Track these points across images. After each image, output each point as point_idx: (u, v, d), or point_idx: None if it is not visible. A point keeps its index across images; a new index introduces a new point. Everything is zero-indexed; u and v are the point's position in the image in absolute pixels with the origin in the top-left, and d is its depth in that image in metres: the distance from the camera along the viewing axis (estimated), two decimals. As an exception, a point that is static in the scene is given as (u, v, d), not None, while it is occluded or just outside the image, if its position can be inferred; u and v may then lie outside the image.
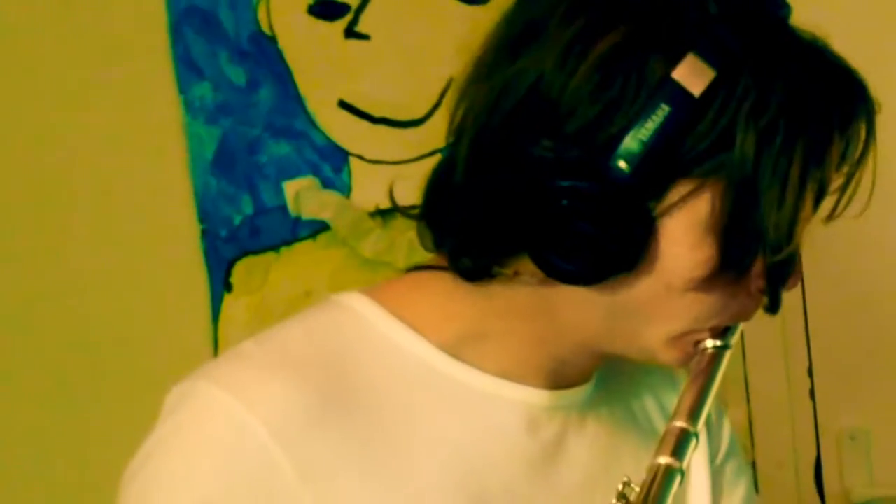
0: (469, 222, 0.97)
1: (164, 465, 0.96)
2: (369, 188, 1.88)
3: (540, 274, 0.95)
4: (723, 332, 1.02)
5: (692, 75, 0.92)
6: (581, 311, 0.99)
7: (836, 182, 0.99)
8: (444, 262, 1.01)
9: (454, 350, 1.01)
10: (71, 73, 1.85)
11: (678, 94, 0.91)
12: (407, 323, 1.01)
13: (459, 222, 0.98)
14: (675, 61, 0.92)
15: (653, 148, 0.91)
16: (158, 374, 1.78)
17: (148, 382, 1.76)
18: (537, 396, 1.03)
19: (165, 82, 1.84)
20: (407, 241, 1.85)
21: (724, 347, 1.03)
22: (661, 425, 1.12)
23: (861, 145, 0.98)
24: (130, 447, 2.00)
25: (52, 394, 1.80)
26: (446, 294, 1.01)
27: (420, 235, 1.04)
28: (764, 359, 2.00)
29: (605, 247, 0.93)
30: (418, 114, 1.88)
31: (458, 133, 0.98)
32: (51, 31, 1.86)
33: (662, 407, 1.16)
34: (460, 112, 0.99)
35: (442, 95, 1.85)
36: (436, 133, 1.80)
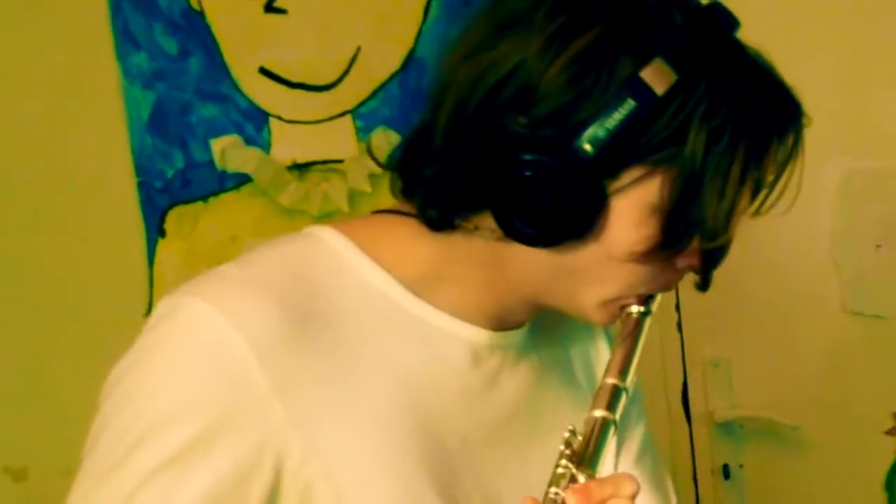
0: (441, 180, 1.02)
1: (150, 369, 0.98)
2: (287, 145, 1.98)
3: (499, 231, 1.00)
4: (647, 300, 1.08)
5: (657, 76, 0.97)
6: (530, 267, 1.04)
7: (769, 178, 1.04)
8: (409, 210, 1.06)
9: (414, 288, 1.06)
10: (20, 46, 1.89)
11: (643, 91, 0.96)
12: (374, 259, 1.06)
13: (432, 179, 1.02)
14: (643, 63, 0.96)
15: (616, 135, 0.95)
16: (101, 309, 1.87)
17: (92, 316, 1.85)
18: (481, 335, 1.08)
19: (106, 52, 1.91)
20: (320, 192, 1.99)
21: (647, 313, 1.08)
22: (580, 372, 1.21)
23: (791, 151, 1.03)
24: (78, 379, 2.04)
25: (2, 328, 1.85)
26: (411, 238, 1.06)
27: (391, 183, 1.08)
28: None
29: (560, 215, 0.98)
30: (330, 79, 1.98)
31: (437, 102, 1.02)
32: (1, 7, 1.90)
33: (582, 356, 1.22)
34: (444, 77, 1.02)
35: (351, 63, 2.00)
36: (345, 96, 1.94)
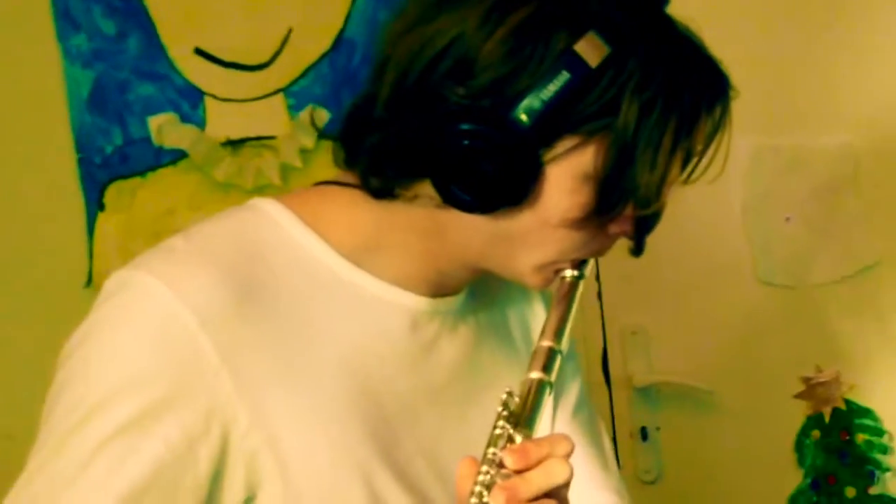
0: (382, 149, 1.03)
1: (101, 342, 1.00)
2: (221, 122, 1.98)
3: (437, 199, 1.01)
4: (580, 264, 1.10)
5: (591, 50, 0.98)
6: (468, 234, 1.05)
7: (698, 149, 1.05)
8: (351, 180, 1.07)
9: (354, 257, 1.07)
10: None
11: (577, 64, 0.97)
12: (315, 230, 1.07)
13: (374, 148, 1.04)
14: (577, 36, 0.97)
15: (550, 106, 0.97)
16: (42, 279, 1.91)
17: (34, 286, 1.89)
18: (420, 302, 1.10)
19: (47, 33, 1.92)
20: (254, 167, 1.99)
21: (580, 277, 1.10)
22: (517, 333, 1.22)
23: (719, 122, 1.05)
24: (21, 347, 2.09)
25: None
26: (351, 208, 1.07)
27: (334, 154, 1.08)
28: (560, 266, 2.13)
29: (497, 183, 0.99)
30: (262, 59, 1.99)
31: (379, 74, 1.03)
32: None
33: (519, 318, 1.23)
34: (386, 50, 1.03)
35: (282, 43, 1.99)
36: (277, 75, 1.98)
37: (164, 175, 1.99)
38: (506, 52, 0.97)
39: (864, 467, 2.16)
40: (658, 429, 2.21)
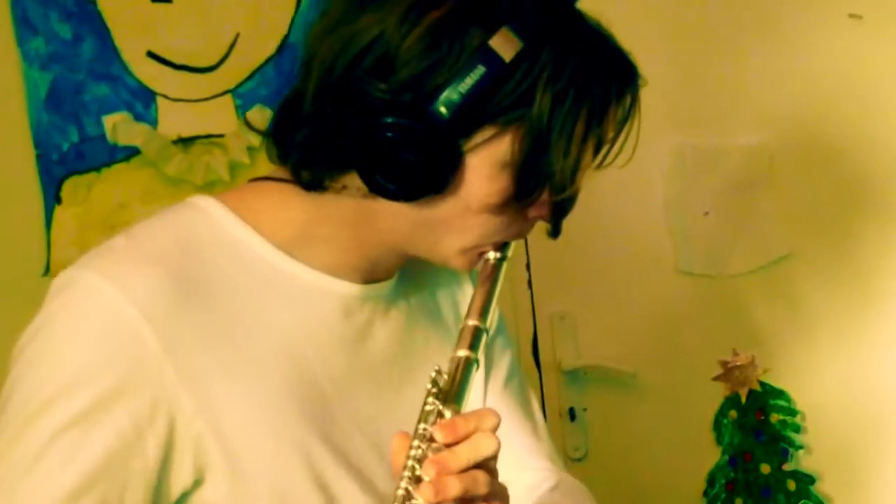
0: (311, 143, 1.03)
1: (50, 339, 1.00)
2: (172, 121, 2.01)
3: (364, 189, 1.02)
4: (503, 247, 1.10)
5: (504, 44, 0.98)
6: (394, 221, 1.06)
7: (609, 136, 1.07)
8: (284, 175, 1.06)
9: (288, 249, 1.07)
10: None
11: (492, 58, 0.97)
12: (250, 224, 1.07)
13: (303, 143, 1.03)
14: (491, 32, 0.98)
15: (468, 99, 0.97)
16: (1, 268, 1.93)
17: None
18: (352, 289, 1.10)
19: (6, 37, 1.95)
20: (203, 163, 2.02)
21: (503, 259, 1.10)
22: (448, 313, 1.22)
23: (627, 111, 1.06)
24: None
25: None
26: (284, 201, 1.07)
27: (268, 150, 1.08)
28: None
29: (420, 172, 1.00)
30: (211, 62, 2.01)
31: (306, 71, 1.03)
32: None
33: (450, 299, 1.24)
34: (312, 49, 1.03)
35: (230, 48, 2.02)
36: (225, 77, 2.04)
37: (118, 171, 2.01)
38: (424, 48, 0.98)
39: (778, 445, 2.17)
40: (585, 409, 2.23)
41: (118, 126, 2.01)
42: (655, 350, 2.22)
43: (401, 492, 0.92)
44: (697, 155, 2.17)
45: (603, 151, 1.07)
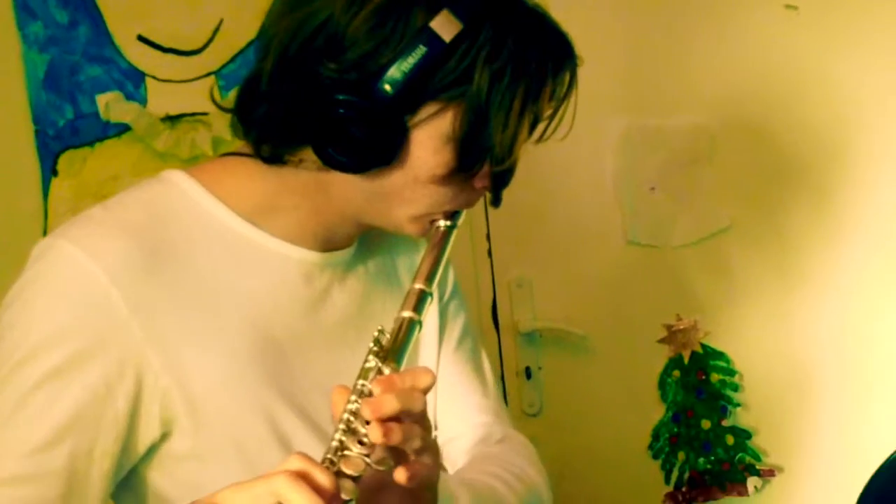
0: (269, 119, 1.03)
1: (28, 301, 1.01)
2: (161, 100, 2.02)
3: (319, 162, 1.02)
4: (452, 215, 1.10)
5: (445, 26, 0.98)
6: (348, 192, 1.06)
7: (547, 113, 1.07)
8: (248, 150, 1.07)
9: (251, 218, 1.07)
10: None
11: (433, 39, 0.98)
12: (217, 196, 1.07)
13: (262, 119, 1.03)
14: (433, 14, 0.98)
15: (411, 77, 0.97)
16: (2, 236, 1.94)
17: None
18: (312, 256, 1.10)
19: (7, 22, 1.96)
20: (189, 139, 2.01)
21: (453, 227, 1.10)
22: (406, 279, 1.20)
23: (566, 88, 1.07)
24: None
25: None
26: (247, 175, 1.08)
27: (233, 127, 1.08)
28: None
29: (369, 146, 1.00)
30: (196, 46, 2.02)
31: (264, 52, 1.03)
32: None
33: (408, 265, 1.23)
34: (269, 32, 1.03)
35: (214, 32, 2.01)
36: (210, 60, 2.07)
37: (110, 146, 2.01)
38: (369, 29, 0.98)
39: (717, 403, 2.23)
40: (540, 368, 2.27)
41: (110, 104, 2.02)
42: (605, 314, 2.25)
43: (335, 443, 0.91)
44: (644, 134, 2.21)
45: (543, 125, 1.08)
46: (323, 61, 0.99)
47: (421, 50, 0.98)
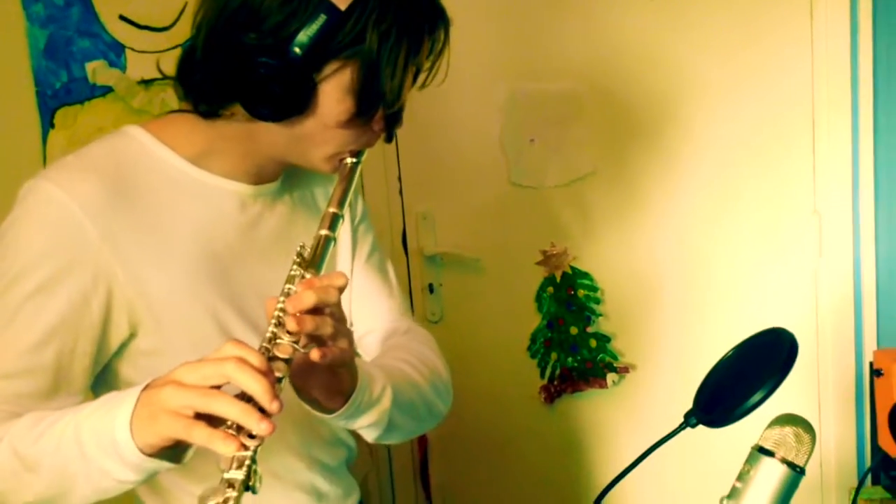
0: (204, 83, 1.10)
1: (15, 232, 1.08)
2: (138, 67, 2.22)
3: (247, 115, 1.09)
4: (357, 153, 1.17)
5: None
6: (272, 137, 1.13)
7: (427, 65, 1.15)
8: (189, 108, 1.14)
9: (195, 160, 1.15)
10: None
11: (332, 8, 1.04)
12: (166, 144, 1.15)
13: (198, 83, 1.11)
14: None
15: (316, 40, 1.03)
16: (7, 180, 1.94)
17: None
18: (246, 189, 1.18)
19: (14, 3, 2.17)
20: (160, 99, 2.22)
21: (357, 163, 1.17)
22: (321, 205, 1.27)
23: (441, 44, 1.14)
24: None
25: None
26: (191, 127, 1.15)
27: (176, 90, 1.15)
28: (371, 171, 2.36)
29: (286, 99, 1.06)
30: (166, 24, 2.21)
31: (198, 27, 1.10)
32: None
33: (325, 194, 1.30)
34: (200, 13, 1.10)
35: (180, 13, 2.20)
36: (178, 35, 2.30)
37: (97, 104, 2.21)
38: (280, 3, 1.04)
39: (583, 313, 2.44)
40: (441, 285, 2.46)
41: (97, 70, 2.21)
42: (493, 241, 2.44)
43: (269, 334, 0.98)
44: (525, 96, 2.37)
45: (423, 76, 1.15)
46: (245, 32, 1.05)
47: (322, 18, 1.03)
